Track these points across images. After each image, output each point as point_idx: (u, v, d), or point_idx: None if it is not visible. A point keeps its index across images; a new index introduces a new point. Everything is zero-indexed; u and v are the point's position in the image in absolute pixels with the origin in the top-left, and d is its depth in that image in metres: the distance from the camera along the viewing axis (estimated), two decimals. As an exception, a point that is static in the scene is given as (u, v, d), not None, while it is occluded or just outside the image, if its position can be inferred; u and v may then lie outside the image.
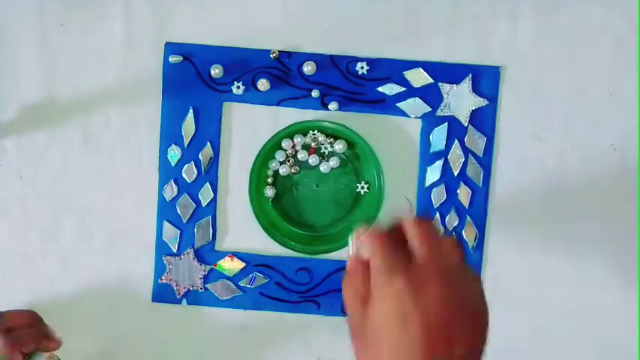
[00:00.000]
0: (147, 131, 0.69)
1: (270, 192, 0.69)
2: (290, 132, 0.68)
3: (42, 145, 0.70)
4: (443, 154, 0.69)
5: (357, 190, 0.69)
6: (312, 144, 0.68)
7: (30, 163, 0.70)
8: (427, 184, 0.69)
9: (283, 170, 0.69)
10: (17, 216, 0.71)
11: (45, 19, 0.69)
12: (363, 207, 0.69)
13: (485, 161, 0.68)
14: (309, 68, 0.67)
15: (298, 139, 0.68)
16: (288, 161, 0.69)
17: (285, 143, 0.68)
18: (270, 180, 0.69)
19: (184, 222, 0.70)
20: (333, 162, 0.68)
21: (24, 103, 0.70)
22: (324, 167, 0.68)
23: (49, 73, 0.69)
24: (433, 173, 0.69)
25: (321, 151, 0.69)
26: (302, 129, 0.68)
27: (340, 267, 0.70)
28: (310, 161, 0.68)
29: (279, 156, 0.69)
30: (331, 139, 0.68)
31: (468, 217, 0.69)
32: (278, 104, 0.68)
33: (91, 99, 0.70)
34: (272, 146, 0.68)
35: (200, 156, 0.69)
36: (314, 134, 0.68)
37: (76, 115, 0.70)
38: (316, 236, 0.70)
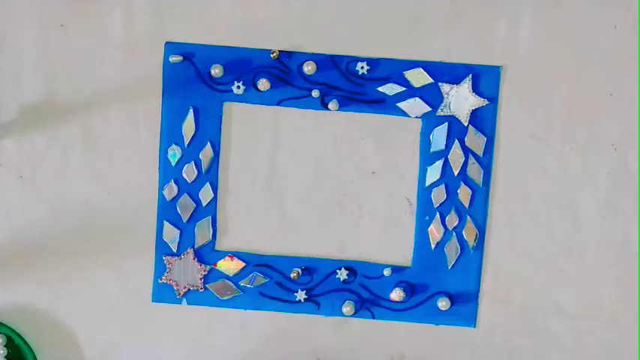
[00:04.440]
0: (147, 131, 0.69)
1: None
2: None
3: (42, 145, 0.70)
4: (443, 153, 0.68)
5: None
6: None
7: (30, 163, 0.70)
8: (427, 183, 0.69)
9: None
10: (17, 216, 0.70)
11: (45, 19, 0.69)
12: None
13: (486, 161, 0.68)
14: (309, 68, 0.67)
15: None
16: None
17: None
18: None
19: (184, 222, 0.70)
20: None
21: (24, 103, 0.69)
22: None
23: (49, 73, 0.69)
24: (433, 173, 0.69)
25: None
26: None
27: (341, 266, 0.69)
28: None
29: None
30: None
31: (468, 217, 0.69)
32: (278, 104, 0.68)
33: (91, 99, 0.69)
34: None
35: (200, 156, 0.69)
36: None
37: (76, 115, 0.69)
38: None
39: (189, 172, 0.69)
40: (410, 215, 0.70)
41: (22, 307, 0.71)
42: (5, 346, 0.71)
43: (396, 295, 0.68)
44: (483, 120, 0.68)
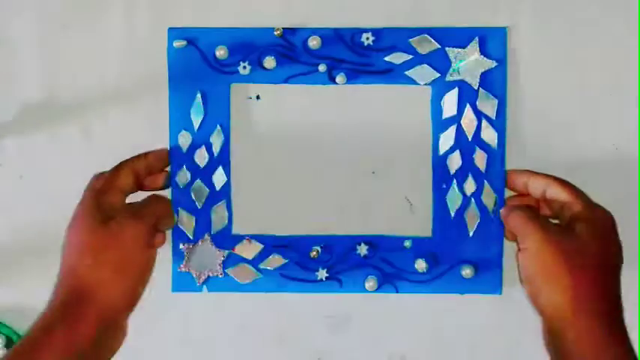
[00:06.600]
0: (147, 131, 0.68)
1: None
2: None
3: (42, 145, 0.70)
4: (455, 119, 0.68)
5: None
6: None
7: (30, 163, 0.70)
8: (441, 151, 0.68)
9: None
10: (17, 216, 0.70)
11: (45, 19, 0.69)
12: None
13: (499, 123, 0.68)
14: (314, 43, 0.67)
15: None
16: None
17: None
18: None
19: (199, 208, 0.68)
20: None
21: (24, 103, 0.69)
22: None
23: (49, 73, 0.69)
24: (447, 140, 0.68)
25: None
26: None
27: (361, 241, 0.68)
28: None
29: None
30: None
31: (485, 181, 0.68)
32: (286, 81, 0.68)
33: (91, 99, 0.69)
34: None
35: (211, 140, 0.68)
36: None
37: (76, 115, 0.69)
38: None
39: (200, 157, 0.68)
40: (410, 213, 0.69)
41: (22, 307, 0.70)
42: (5, 346, 0.70)
43: (419, 266, 0.67)
44: (493, 82, 0.68)
